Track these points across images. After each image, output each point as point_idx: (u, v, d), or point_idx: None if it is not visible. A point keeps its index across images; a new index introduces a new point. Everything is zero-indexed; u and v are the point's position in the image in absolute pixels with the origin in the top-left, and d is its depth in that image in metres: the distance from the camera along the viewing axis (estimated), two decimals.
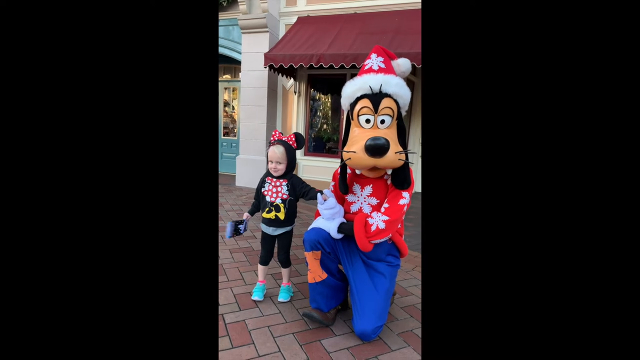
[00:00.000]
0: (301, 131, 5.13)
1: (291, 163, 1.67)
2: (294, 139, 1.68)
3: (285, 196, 1.67)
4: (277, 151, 1.63)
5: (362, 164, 1.41)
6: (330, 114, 5.21)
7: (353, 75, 1.50)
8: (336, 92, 5.03)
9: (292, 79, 5.07)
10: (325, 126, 5.27)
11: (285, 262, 1.79)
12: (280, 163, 1.63)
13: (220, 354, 1.33)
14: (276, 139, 1.68)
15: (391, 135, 1.41)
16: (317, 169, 5.03)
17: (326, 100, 5.22)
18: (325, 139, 5.24)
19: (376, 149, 1.33)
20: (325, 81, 5.08)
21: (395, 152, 1.38)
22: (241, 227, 1.70)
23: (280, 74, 4.72)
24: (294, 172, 1.74)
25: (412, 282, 2.13)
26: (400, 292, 1.99)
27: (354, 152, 1.40)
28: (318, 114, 5.29)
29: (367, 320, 1.44)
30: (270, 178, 1.70)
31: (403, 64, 1.56)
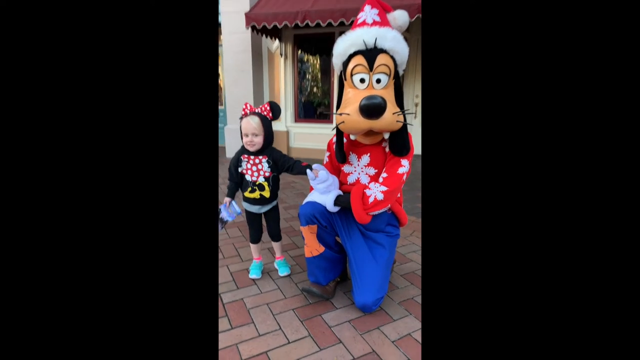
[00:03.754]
0: (290, 96, 4.89)
1: (268, 135, 1.51)
2: (268, 109, 1.50)
3: (267, 174, 1.54)
4: (252, 121, 1.46)
5: (357, 127, 1.28)
6: (319, 77, 4.95)
7: (342, 34, 1.33)
8: (325, 53, 4.75)
9: (277, 41, 4.75)
10: (315, 89, 5.03)
11: (277, 236, 1.73)
12: (256, 135, 1.47)
13: (219, 335, 1.29)
14: (248, 111, 1.50)
15: (388, 96, 1.28)
16: (308, 136, 4.85)
17: (315, 62, 4.94)
18: (315, 104, 5.02)
19: (372, 109, 1.20)
20: (313, 41, 4.77)
21: (393, 113, 1.25)
22: (226, 215, 1.52)
23: (264, 35, 4.40)
24: (272, 146, 1.58)
25: (411, 248, 2.10)
26: (400, 259, 1.95)
27: (348, 114, 1.27)
28: (307, 77, 5.02)
29: (367, 292, 1.40)
30: (246, 155, 1.54)
31: (400, 17, 1.37)
